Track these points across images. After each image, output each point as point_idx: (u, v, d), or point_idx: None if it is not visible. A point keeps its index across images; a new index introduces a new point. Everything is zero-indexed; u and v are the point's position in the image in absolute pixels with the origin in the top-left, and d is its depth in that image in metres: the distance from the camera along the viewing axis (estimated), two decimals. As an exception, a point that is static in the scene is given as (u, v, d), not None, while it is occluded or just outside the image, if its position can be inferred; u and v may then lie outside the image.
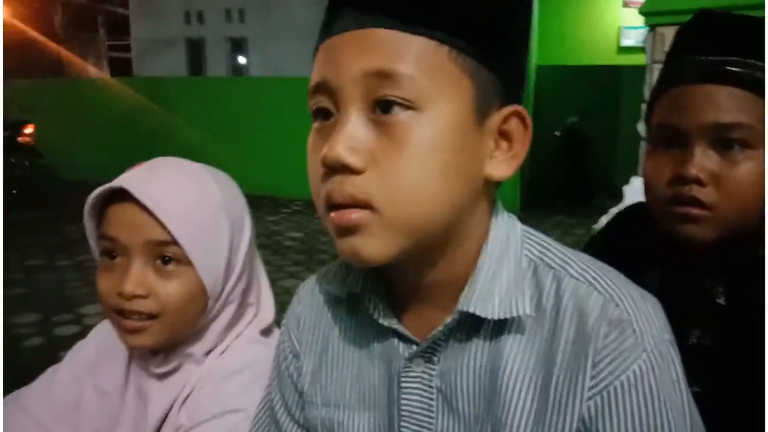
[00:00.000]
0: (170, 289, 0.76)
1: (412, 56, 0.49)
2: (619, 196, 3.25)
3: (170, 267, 0.76)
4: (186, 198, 0.77)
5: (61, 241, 5.71)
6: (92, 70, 15.32)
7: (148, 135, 8.69)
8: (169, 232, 0.74)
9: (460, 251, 0.57)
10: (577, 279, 0.56)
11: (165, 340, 0.78)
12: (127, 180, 0.75)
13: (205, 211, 0.78)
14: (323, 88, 0.52)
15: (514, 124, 0.55)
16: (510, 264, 0.57)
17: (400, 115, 0.49)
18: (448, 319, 0.56)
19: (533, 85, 8.31)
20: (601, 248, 0.95)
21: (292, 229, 6.40)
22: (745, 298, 0.77)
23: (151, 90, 8.82)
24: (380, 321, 0.60)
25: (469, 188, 0.53)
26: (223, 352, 0.83)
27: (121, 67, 14.28)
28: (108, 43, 15.54)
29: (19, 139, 7.33)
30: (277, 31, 10.19)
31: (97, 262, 0.80)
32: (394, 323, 0.60)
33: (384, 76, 0.49)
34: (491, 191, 0.58)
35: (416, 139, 0.49)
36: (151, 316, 0.76)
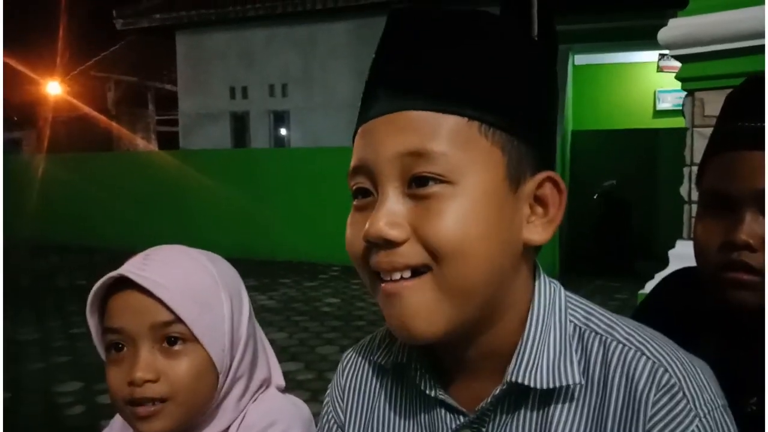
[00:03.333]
0: (180, 369, 0.76)
1: (443, 134, 0.52)
2: (660, 260, 3.17)
3: (177, 347, 0.77)
4: (183, 276, 0.79)
5: (106, 308, 5.81)
6: (141, 144, 16.03)
7: (194, 205, 8.97)
8: (172, 311, 0.75)
9: (504, 321, 0.57)
10: (624, 344, 0.55)
11: (179, 424, 0.77)
12: (127, 268, 0.77)
13: (203, 285, 0.80)
14: (362, 169, 0.55)
15: (548, 190, 0.56)
16: (556, 331, 0.57)
17: (434, 187, 0.51)
18: (497, 390, 0.55)
19: (569, 150, 8.32)
20: (651, 313, 0.93)
21: (329, 295, 6.42)
22: None
23: (197, 162, 9.16)
24: (427, 392, 0.60)
25: (508, 253, 0.54)
26: (243, 418, 0.82)
27: (168, 141, 14.91)
28: (156, 118, 16.30)
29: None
30: (318, 104, 10.57)
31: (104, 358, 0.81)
32: (441, 394, 0.59)
33: (418, 155, 0.51)
34: (530, 257, 0.59)
35: (452, 207, 0.51)
36: (163, 400, 0.76)
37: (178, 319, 0.76)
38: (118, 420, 0.90)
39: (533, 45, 0.57)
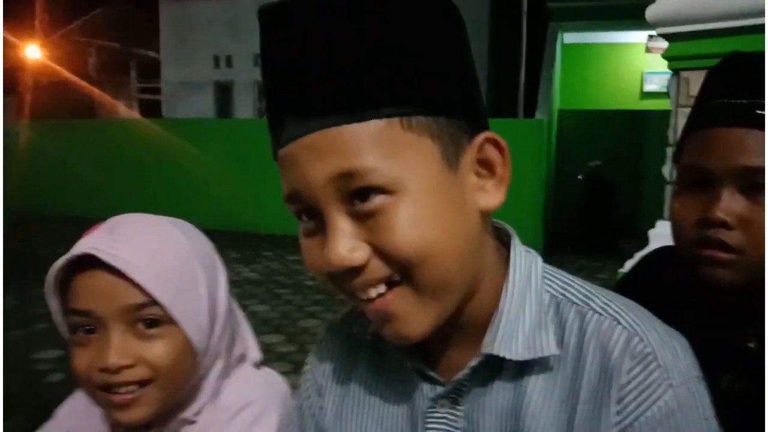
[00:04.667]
0: (158, 351, 0.71)
1: (367, 146, 0.48)
2: (643, 241, 3.21)
3: (153, 330, 0.71)
4: (157, 255, 0.72)
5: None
6: (123, 111, 15.78)
7: (177, 175, 8.87)
8: (147, 293, 0.70)
9: (481, 291, 0.57)
10: (600, 314, 0.55)
11: (160, 408, 0.73)
12: (92, 245, 0.70)
13: (178, 264, 0.74)
14: (297, 197, 0.52)
15: (490, 151, 0.54)
16: (532, 302, 0.57)
17: (376, 200, 0.49)
18: (474, 362, 0.56)
19: (556, 130, 8.34)
20: (629, 292, 0.93)
21: (313, 269, 6.41)
22: None
23: (180, 131, 9.04)
24: (405, 361, 0.60)
25: (470, 234, 0.53)
26: (217, 398, 0.79)
27: (150, 109, 14.69)
28: (138, 85, 16.03)
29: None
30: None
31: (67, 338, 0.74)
32: (419, 364, 0.60)
33: (348, 175, 0.48)
34: (490, 222, 0.58)
35: (401, 217, 0.49)
36: (143, 384, 0.71)
37: (153, 301, 0.70)
38: (80, 398, 0.84)
39: (429, 4, 0.51)
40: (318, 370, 0.70)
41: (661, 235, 3.11)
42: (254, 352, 0.86)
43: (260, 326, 4.44)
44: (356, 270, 0.50)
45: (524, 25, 8.43)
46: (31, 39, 15.15)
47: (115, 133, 9.79)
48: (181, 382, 0.74)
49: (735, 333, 0.78)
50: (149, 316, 0.71)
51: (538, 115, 7.23)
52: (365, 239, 0.50)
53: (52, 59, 15.21)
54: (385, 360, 0.64)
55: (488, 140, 0.54)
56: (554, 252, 6.91)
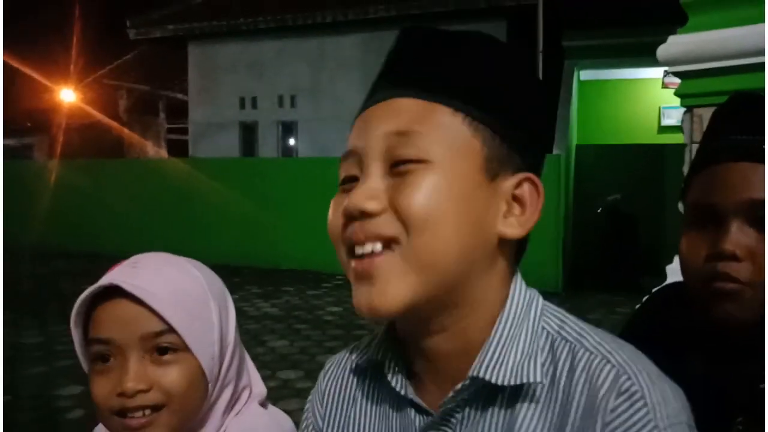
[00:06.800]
0: (172, 377, 0.75)
1: (429, 119, 0.56)
2: (664, 276, 3.17)
3: (167, 356, 0.76)
4: (175, 286, 0.78)
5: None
6: (151, 151, 16.17)
7: (202, 213, 9.04)
8: (164, 321, 0.74)
9: (473, 317, 0.58)
10: (591, 351, 0.55)
11: None
12: (115, 277, 0.76)
13: (192, 293, 0.79)
14: (351, 153, 0.59)
15: (526, 190, 0.58)
16: (527, 335, 0.57)
17: (410, 166, 0.55)
18: (459, 386, 0.56)
19: (574, 165, 8.33)
20: (638, 328, 0.92)
21: (331, 304, 6.43)
22: None
23: (206, 169, 9.25)
24: (398, 389, 0.61)
25: (479, 238, 0.56)
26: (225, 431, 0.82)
27: (178, 149, 15.04)
28: (167, 126, 16.44)
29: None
30: (326, 115, 10.65)
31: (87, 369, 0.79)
32: (410, 393, 0.61)
33: (402, 134, 0.55)
34: (507, 256, 0.60)
35: (426, 181, 0.54)
36: (156, 408, 0.75)
37: (170, 329, 0.75)
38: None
39: (533, 71, 0.62)
40: (318, 408, 0.72)
41: (678, 270, 3.06)
42: (259, 386, 0.90)
43: (279, 361, 4.46)
44: (366, 216, 0.54)
45: (540, 62, 8.53)
46: (65, 83, 15.75)
47: (143, 171, 10.04)
48: (192, 408, 0.78)
49: (746, 374, 0.76)
50: (165, 344, 0.75)
51: (556, 151, 7.26)
52: (388, 196, 0.55)
53: (84, 102, 15.75)
54: (383, 391, 0.65)
55: (529, 180, 0.59)
56: (574, 286, 6.83)
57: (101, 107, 15.60)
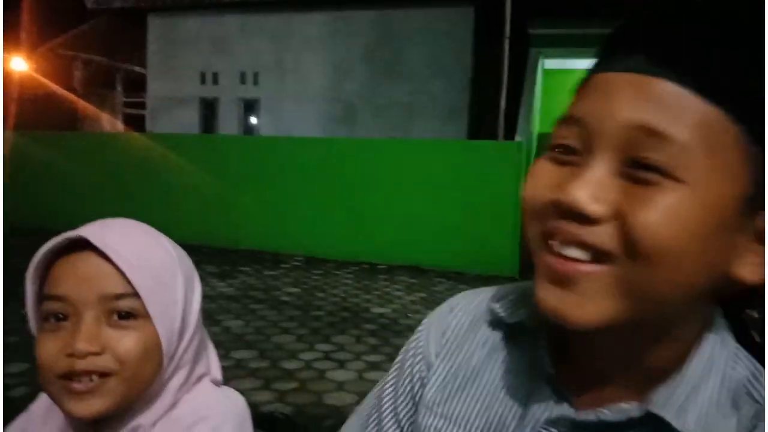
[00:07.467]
0: (127, 343, 0.71)
1: (691, 121, 0.43)
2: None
3: (126, 322, 0.71)
4: (144, 250, 0.75)
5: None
6: (107, 125, 15.72)
7: (160, 189, 8.84)
8: (128, 283, 0.71)
9: (663, 345, 0.50)
10: None
11: (116, 404, 0.71)
12: (82, 231, 0.71)
13: (162, 264, 0.76)
14: (578, 122, 0.48)
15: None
16: (716, 380, 0.49)
17: (657, 177, 0.43)
18: (634, 412, 0.48)
19: (535, 153, 8.45)
20: None
21: (289, 284, 6.38)
22: None
23: (165, 145, 9.03)
24: (545, 365, 0.54)
25: (705, 278, 0.46)
26: (173, 409, 0.78)
27: (134, 123, 14.65)
28: (124, 99, 16.01)
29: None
30: (289, 94, 10.51)
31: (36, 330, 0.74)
32: (557, 381, 0.54)
33: (651, 133, 0.43)
34: (722, 294, 0.50)
35: (672, 203, 0.43)
36: (105, 375, 0.70)
37: (133, 293, 0.71)
38: (41, 404, 0.83)
39: None
40: (434, 338, 0.65)
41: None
42: (216, 373, 0.86)
43: (233, 341, 4.40)
44: (582, 219, 0.45)
45: (506, 50, 8.58)
46: (16, 50, 15.12)
47: (100, 145, 9.75)
48: (142, 381, 0.73)
49: None
50: (125, 308, 0.71)
51: (517, 138, 7.34)
52: (616, 202, 0.44)
53: (37, 71, 15.16)
54: (516, 351, 0.59)
55: None
56: (532, 271, 6.92)
57: (55, 78, 15.04)
